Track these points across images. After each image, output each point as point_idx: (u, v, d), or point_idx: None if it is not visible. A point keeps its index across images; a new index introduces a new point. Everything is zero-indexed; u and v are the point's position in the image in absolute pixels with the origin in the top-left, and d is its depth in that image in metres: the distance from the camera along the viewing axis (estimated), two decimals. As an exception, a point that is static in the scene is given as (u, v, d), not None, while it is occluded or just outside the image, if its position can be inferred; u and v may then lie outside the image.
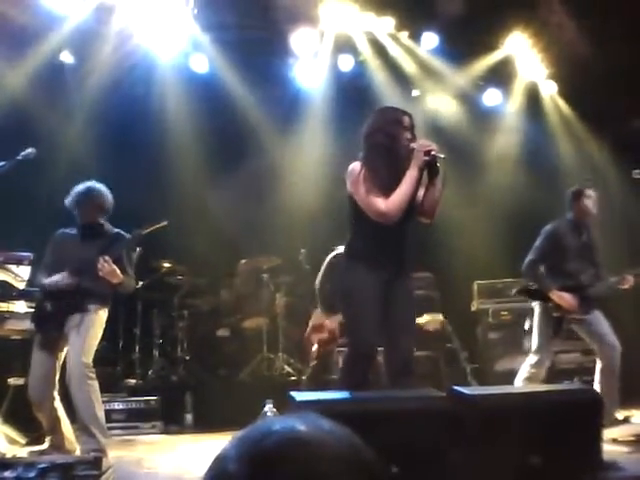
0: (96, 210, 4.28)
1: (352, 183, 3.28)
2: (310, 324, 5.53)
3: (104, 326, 4.22)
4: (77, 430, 4.00)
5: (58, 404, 4.11)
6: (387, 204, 3.19)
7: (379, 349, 3.49)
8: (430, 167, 3.24)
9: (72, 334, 4.01)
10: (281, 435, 0.74)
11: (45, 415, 4.07)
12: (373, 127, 3.37)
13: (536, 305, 4.76)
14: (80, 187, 4.31)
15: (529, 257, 4.70)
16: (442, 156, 3.19)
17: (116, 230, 4.36)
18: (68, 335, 4.02)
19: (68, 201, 4.29)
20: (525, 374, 4.66)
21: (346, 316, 3.53)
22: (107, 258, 3.95)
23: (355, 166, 3.30)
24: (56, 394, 4.10)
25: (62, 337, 4.06)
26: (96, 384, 4.01)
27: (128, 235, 4.22)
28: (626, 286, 4.54)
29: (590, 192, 4.66)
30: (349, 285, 3.36)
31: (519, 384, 4.62)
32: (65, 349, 4.10)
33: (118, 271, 3.99)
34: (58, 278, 4.06)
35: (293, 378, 6.23)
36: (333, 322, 5.26)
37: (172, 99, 7.04)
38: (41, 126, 6.24)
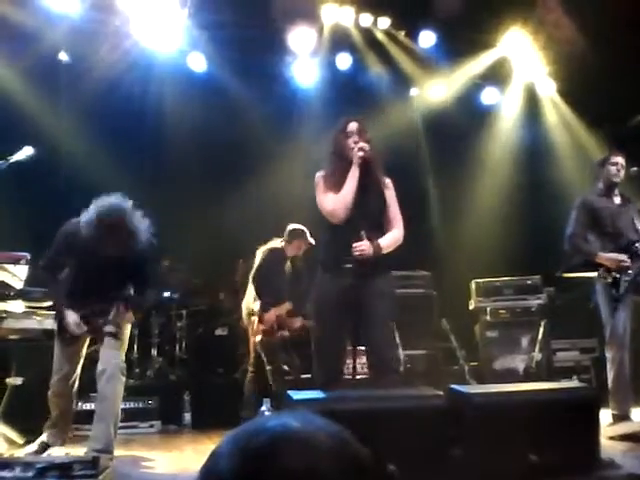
0: (126, 241, 3.64)
1: (315, 191, 3.61)
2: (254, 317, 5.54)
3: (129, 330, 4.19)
4: (94, 422, 3.88)
5: (75, 396, 4.13)
6: (334, 201, 3.46)
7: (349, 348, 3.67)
8: (369, 164, 3.51)
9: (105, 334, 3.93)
10: (273, 431, 0.75)
11: (61, 404, 4.05)
12: (329, 139, 3.70)
13: (595, 281, 4.56)
14: (101, 208, 3.58)
15: (567, 232, 4.61)
16: (367, 147, 3.47)
17: (139, 250, 3.75)
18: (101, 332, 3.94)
19: (87, 224, 3.57)
20: (611, 372, 4.47)
21: (313, 323, 3.77)
22: (123, 311, 3.89)
23: (317, 175, 3.63)
24: (76, 385, 4.09)
25: (85, 334, 3.99)
26: (122, 383, 3.93)
27: (150, 256, 4.05)
28: None
29: (616, 158, 4.63)
30: (314, 297, 3.64)
31: (610, 384, 4.46)
32: (88, 340, 4.05)
33: (131, 315, 3.99)
34: (72, 327, 3.85)
35: (290, 377, 6.23)
36: (271, 314, 5.33)
37: (169, 97, 7.04)
38: (38, 124, 6.23)
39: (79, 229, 3.64)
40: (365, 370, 3.97)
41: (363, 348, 3.66)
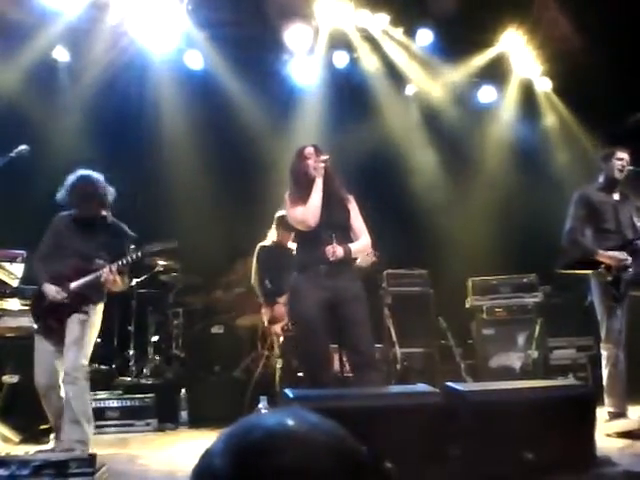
0: (96, 204, 4.17)
1: (285, 209, 4.01)
2: (265, 319, 5.59)
3: (101, 319, 4.19)
4: (65, 421, 3.94)
5: (63, 394, 4.06)
6: (303, 210, 3.76)
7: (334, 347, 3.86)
8: (329, 177, 3.81)
9: (70, 336, 3.97)
10: (267, 429, 0.74)
11: (52, 406, 4.04)
12: (290, 168, 4.00)
13: (591, 278, 4.51)
14: (73, 178, 4.16)
15: (566, 227, 4.55)
16: (327, 157, 3.79)
17: (116, 222, 4.27)
18: (67, 332, 4.00)
19: (61, 195, 4.15)
20: (606, 371, 4.45)
21: (293, 326, 4.07)
22: (113, 269, 3.95)
23: (285, 196, 3.95)
24: (61, 383, 4.04)
25: (62, 328, 4.02)
26: (88, 385, 4.03)
27: (130, 232, 4.20)
28: None
29: (622, 154, 4.59)
30: (291, 301, 3.86)
31: (605, 382, 4.45)
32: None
33: (119, 280, 4.00)
34: (52, 293, 4.02)
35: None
36: (280, 307, 5.38)
37: (167, 96, 7.03)
38: (34, 123, 6.22)
39: (60, 217, 4.23)
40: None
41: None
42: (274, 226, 5.67)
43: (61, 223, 4.24)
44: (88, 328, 4.04)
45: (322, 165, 3.78)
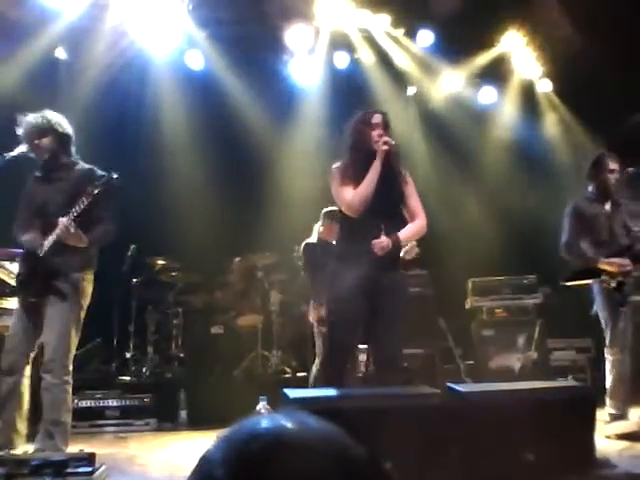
0: (54, 144, 3.82)
1: (331, 183, 3.52)
2: (312, 318, 5.45)
3: (89, 299, 3.76)
4: (40, 429, 3.66)
5: (24, 387, 3.68)
6: (352, 194, 3.38)
7: (360, 347, 3.64)
8: (392, 157, 3.45)
9: (51, 327, 3.59)
10: (267, 437, 0.73)
11: (5, 388, 3.62)
12: (347, 130, 3.58)
13: (594, 286, 4.53)
14: (30, 118, 3.81)
15: (562, 240, 4.58)
16: (393, 142, 3.43)
17: (87, 166, 3.87)
18: (46, 321, 3.61)
19: (20, 134, 3.79)
20: (610, 376, 4.45)
21: (328, 312, 3.64)
22: (66, 222, 3.47)
23: (334, 167, 3.53)
24: (27, 372, 3.69)
25: (43, 304, 3.66)
26: (70, 390, 3.68)
27: (104, 173, 3.73)
28: None
29: (614, 165, 4.56)
30: (333, 285, 3.48)
31: (609, 385, 4.44)
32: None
33: (81, 234, 3.54)
34: (27, 238, 3.68)
35: (287, 375, 6.23)
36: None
37: (167, 96, 7.03)
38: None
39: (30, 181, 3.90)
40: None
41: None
42: (320, 222, 5.45)
43: (29, 181, 3.92)
44: (73, 313, 3.66)
45: (386, 147, 3.41)
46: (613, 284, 4.30)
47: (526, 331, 6.39)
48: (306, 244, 5.48)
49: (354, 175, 3.42)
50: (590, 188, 4.66)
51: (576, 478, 3.01)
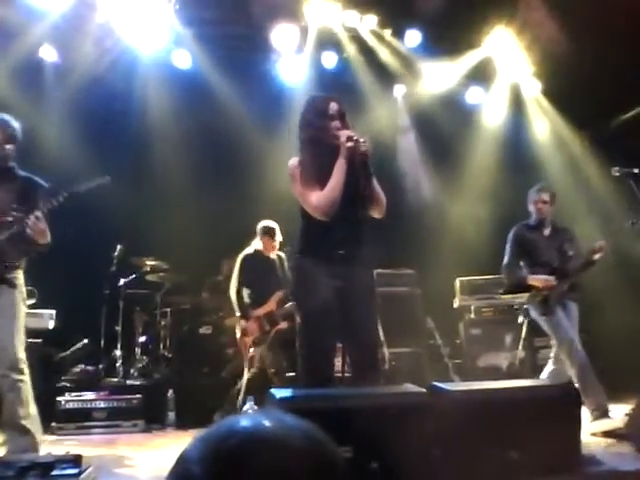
0: (14, 153, 3.77)
1: (291, 180, 3.20)
2: (237, 331, 5.74)
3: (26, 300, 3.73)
4: (6, 431, 3.59)
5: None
6: (318, 197, 3.09)
7: (338, 345, 3.43)
8: (358, 155, 3.08)
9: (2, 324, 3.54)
10: (244, 434, 0.73)
11: None
12: (302, 121, 3.26)
13: (527, 300, 5.02)
14: (13, 123, 3.81)
15: (503, 262, 5.14)
16: (362, 140, 3.06)
17: (24, 173, 3.83)
18: None
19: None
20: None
21: (299, 316, 3.31)
22: (39, 215, 3.48)
23: (291, 163, 3.22)
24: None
25: None
26: (29, 381, 3.62)
27: (42, 182, 3.77)
28: (598, 254, 4.74)
29: (544, 196, 5.06)
30: (298, 286, 3.30)
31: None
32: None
33: (47, 231, 3.54)
34: None
35: (276, 376, 6.22)
36: (254, 322, 5.60)
37: (154, 95, 7.00)
38: (21, 122, 6.15)
39: None
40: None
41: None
42: (258, 237, 5.81)
43: None
44: (19, 305, 3.63)
45: (350, 144, 3.05)
46: (539, 297, 4.85)
47: (513, 330, 6.41)
48: (245, 255, 5.81)
49: (317, 175, 3.12)
50: (532, 217, 5.16)
51: (562, 476, 3.03)
